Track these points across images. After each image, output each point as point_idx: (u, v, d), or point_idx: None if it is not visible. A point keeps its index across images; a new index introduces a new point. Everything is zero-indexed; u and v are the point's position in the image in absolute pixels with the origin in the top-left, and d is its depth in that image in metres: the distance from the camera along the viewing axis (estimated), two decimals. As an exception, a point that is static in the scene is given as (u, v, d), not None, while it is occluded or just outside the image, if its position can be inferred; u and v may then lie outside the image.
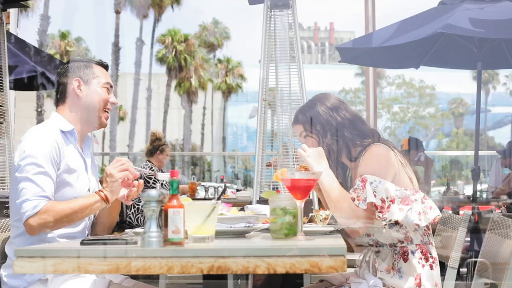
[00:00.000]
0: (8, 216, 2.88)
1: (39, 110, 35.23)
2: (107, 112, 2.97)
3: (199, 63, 44.21)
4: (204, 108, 48.14)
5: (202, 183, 10.45)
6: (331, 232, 2.65)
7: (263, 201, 5.10)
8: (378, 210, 2.59)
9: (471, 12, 6.03)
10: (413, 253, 2.73)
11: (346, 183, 2.94)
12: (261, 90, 5.63)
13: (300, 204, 2.28)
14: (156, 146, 7.32)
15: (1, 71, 5.64)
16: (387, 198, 2.60)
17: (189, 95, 44.50)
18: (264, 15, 5.56)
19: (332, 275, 3.07)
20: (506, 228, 2.13)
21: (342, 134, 2.83)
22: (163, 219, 2.05)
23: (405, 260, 2.72)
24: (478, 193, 6.63)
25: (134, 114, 40.65)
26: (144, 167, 7.29)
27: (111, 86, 2.99)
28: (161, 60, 42.98)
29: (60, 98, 2.95)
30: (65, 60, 36.73)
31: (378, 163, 2.70)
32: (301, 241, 2.23)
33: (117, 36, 38.00)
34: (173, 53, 42.87)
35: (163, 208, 2.04)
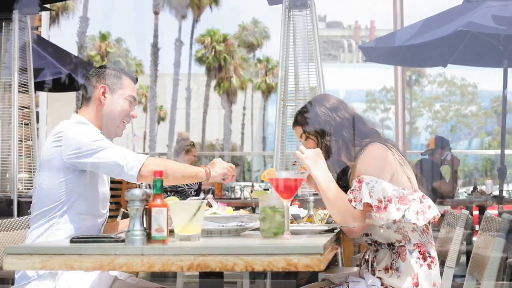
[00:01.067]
0: None
1: (77, 111, 35.68)
2: (125, 123, 3.05)
3: (238, 63, 44.39)
4: (244, 108, 48.30)
5: (238, 184, 10.53)
6: (325, 231, 2.66)
7: None
8: (375, 210, 2.59)
9: (494, 9, 5.97)
10: (411, 252, 2.72)
11: (347, 183, 2.95)
12: (280, 90, 5.66)
13: (286, 203, 2.30)
14: (181, 147, 7.40)
15: (26, 74, 5.77)
16: (384, 198, 2.60)
17: (229, 95, 44.70)
18: (283, 15, 5.59)
19: (335, 274, 3.09)
20: (494, 227, 2.13)
21: (341, 134, 2.83)
22: (147, 218, 2.10)
23: (403, 259, 2.71)
24: (505, 192, 6.55)
25: (174, 114, 40.96)
26: None
27: (135, 100, 3.06)
28: (200, 60, 43.27)
29: (84, 101, 3.02)
30: (105, 62, 37.26)
31: (375, 163, 2.70)
32: (287, 240, 2.25)
33: (156, 37, 38.36)
34: (213, 53, 43.13)
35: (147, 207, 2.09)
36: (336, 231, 2.87)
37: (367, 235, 2.80)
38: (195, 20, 41.82)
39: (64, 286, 2.72)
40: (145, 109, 44.57)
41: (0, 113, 5.61)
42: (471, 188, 7.67)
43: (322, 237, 2.38)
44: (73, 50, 37.95)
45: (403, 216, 2.61)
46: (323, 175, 2.68)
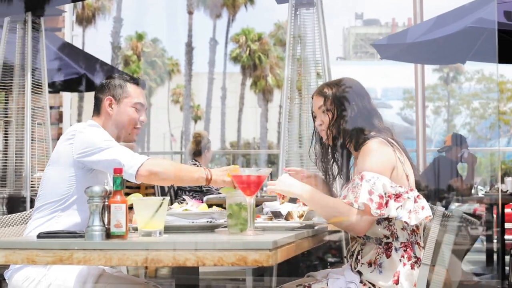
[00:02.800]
0: None
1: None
2: (136, 129, 3.17)
3: (274, 61, 44.38)
4: (280, 106, 48.22)
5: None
6: (301, 228, 2.69)
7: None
8: (376, 207, 2.58)
9: (507, 5, 5.90)
10: (396, 250, 2.72)
11: (348, 170, 2.96)
12: (286, 88, 5.69)
13: (249, 200, 2.34)
14: (204, 146, 7.52)
15: (40, 74, 5.89)
16: (385, 194, 2.60)
17: (265, 94, 44.70)
18: (289, 14, 5.61)
19: (320, 271, 3.10)
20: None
21: (357, 122, 2.84)
22: (107, 214, 2.16)
23: (388, 256, 2.71)
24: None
25: (208, 113, 41.17)
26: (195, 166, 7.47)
27: (142, 105, 3.16)
28: (235, 59, 43.37)
29: (95, 111, 3.17)
30: (141, 62, 37.47)
31: (376, 158, 2.69)
32: (249, 236, 2.29)
33: (190, 36, 38.60)
34: (247, 52, 43.19)
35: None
36: (317, 227, 2.91)
37: None
38: (230, 19, 41.99)
39: (54, 275, 2.83)
40: (182, 109, 44.89)
41: (15, 113, 5.74)
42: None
43: (285, 233, 2.41)
44: (107, 50, 38.42)
45: (396, 213, 2.61)
46: (304, 193, 2.69)
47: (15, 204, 5.31)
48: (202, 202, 2.70)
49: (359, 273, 2.79)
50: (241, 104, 43.38)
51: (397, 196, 2.64)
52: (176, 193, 7.04)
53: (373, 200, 2.59)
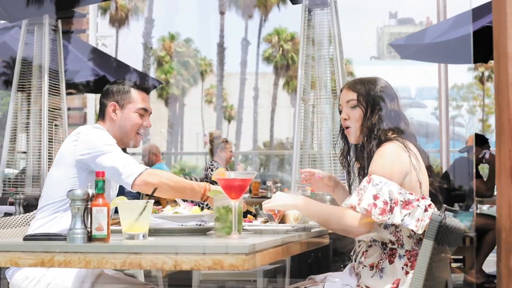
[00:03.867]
0: None
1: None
2: (140, 135, 3.21)
3: (305, 61, 44.25)
4: (314, 106, 48.05)
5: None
6: (292, 230, 2.67)
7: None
8: (379, 212, 2.54)
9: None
10: (400, 257, 2.65)
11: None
12: (300, 89, 5.68)
13: (234, 203, 2.33)
14: (216, 145, 7.53)
15: (57, 76, 5.96)
16: (390, 200, 2.55)
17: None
18: (302, 14, 5.59)
19: (321, 274, 3.08)
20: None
21: (383, 123, 2.80)
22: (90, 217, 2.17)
23: (391, 261, 2.66)
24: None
25: (241, 113, 41.26)
26: (209, 167, 7.50)
27: (146, 111, 3.20)
28: (268, 59, 43.37)
29: (100, 116, 3.22)
30: (174, 62, 37.67)
31: (388, 163, 2.65)
32: (233, 239, 2.28)
33: (222, 36, 38.77)
34: (280, 52, 43.14)
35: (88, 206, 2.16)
36: (315, 230, 2.89)
37: None
38: (262, 19, 42.01)
39: (53, 274, 2.87)
40: (215, 109, 45.05)
41: (33, 114, 5.82)
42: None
43: (274, 237, 2.40)
44: (139, 51, 38.70)
45: (402, 220, 2.56)
46: (302, 207, 2.70)
47: (32, 205, 5.38)
48: (194, 205, 2.71)
49: (358, 276, 2.76)
50: (274, 104, 43.36)
51: (406, 203, 2.57)
52: None
53: (377, 205, 2.54)
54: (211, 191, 2.60)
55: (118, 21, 37.75)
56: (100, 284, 2.88)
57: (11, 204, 5.27)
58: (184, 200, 2.84)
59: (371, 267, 2.71)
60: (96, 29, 9.04)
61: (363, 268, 2.74)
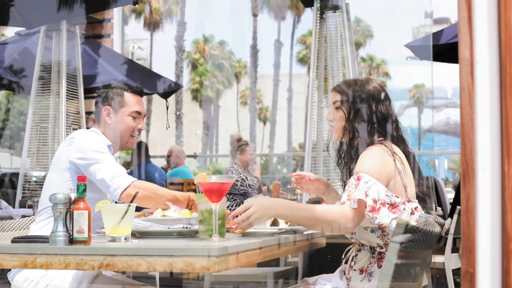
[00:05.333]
0: None
1: (177, 113, 36.74)
2: (134, 137, 3.28)
3: (341, 61, 44.15)
4: (327, 108, 47.85)
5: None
6: (282, 233, 2.70)
7: (315, 201, 5.17)
8: (369, 209, 2.55)
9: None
10: None
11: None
12: (312, 92, 5.70)
13: (214, 206, 2.38)
14: (235, 147, 7.56)
15: (75, 81, 6.08)
16: (378, 200, 2.57)
17: (333, 94, 44.43)
18: (314, 17, 5.62)
19: (314, 276, 3.11)
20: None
21: (367, 124, 2.79)
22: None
23: (379, 265, 2.66)
24: None
25: (274, 115, 41.31)
26: (230, 169, 7.54)
27: (139, 113, 3.26)
28: (302, 60, 43.38)
29: (96, 119, 3.31)
30: (209, 65, 37.84)
31: (375, 163, 2.66)
32: (214, 242, 2.33)
33: (255, 38, 38.88)
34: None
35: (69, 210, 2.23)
36: (307, 232, 2.92)
37: (352, 233, 2.77)
38: (295, 21, 42.03)
39: (52, 275, 2.95)
40: (250, 110, 45.17)
41: (52, 118, 5.94)
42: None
43: (249, 240, 2.43)
44: (173, 53, 39.00)
45: (390, 222, 2.56)
46: (284, 211, 2.59)
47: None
48: (184, 208, 2.76)
49: (348, 280, 2.78)
50: (308, 106, 43.26)
51: (393, 206, 2.60)
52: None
53: (367, 202, 2.56)
54: (195, 195, 2.65)
55: (153, 24, 38.08)
56: (97, 285, 2.95)
57: (30, 207, 5.38)
58: None
59: (361, 271, 2.73)
60: (121, 33, 9.15)
61: (353, 272, 2.76)
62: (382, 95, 2.85)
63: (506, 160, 1.58)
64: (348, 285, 2.76)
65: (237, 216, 2.46)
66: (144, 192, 2.95)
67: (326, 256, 5.24)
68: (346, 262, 2.86)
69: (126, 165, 8.14)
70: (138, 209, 2.78)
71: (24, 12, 5.39)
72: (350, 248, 2.88)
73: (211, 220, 2.45)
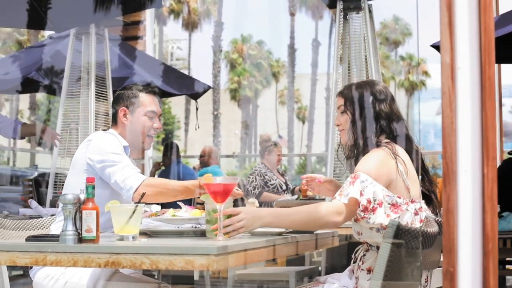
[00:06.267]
0: None
1: (215, 113, 36.96)
2: (150, 137, 3.36)
3: (380, 60, 43.94)
4: (387, 106, 47.57)
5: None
6: (284, 233, 2.76)
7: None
8: (361, 209, 2.60)
9: None
10: None
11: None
12: (334, 92, 5.73)
13: (219, 206, 2.45)
14: (264, 148, 7.63)
15: (105, 83, 6.21)
16: (374, 200, 2.61)
17: (372, 93, 44.20)
18: (337, 18, 5.65)
19: (327, 275, 3.16)
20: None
21: (371, 125, 2.83)
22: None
23: None
24: None
25: (312, 114, 41.25)
26: (255, 169, 7.60)
27: (155, 113, 3.34)
28: (341, 59, 43.22)
29: (113, 121, 3.40)
30: (247, 64, 37.94)
31: (374, 164, 2.70)
32: (218, 241, 2.40)
33: (292, 38, 38.90)
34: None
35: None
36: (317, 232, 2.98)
37: (359, 233, 2.81)
38: (333, 20, 41.88)
39: (71, 273, 3.04)
40: (288, 110, 45.19)
41: (82, 120, 6.08)
42: None
43: (253, 239, 2.50)
44: (210, 53, 39.25)
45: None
46: (271, 219, 2.61)
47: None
48: (194, 208, 2.83)
49: (357, 279, 2.82)
50: (331, 107, 43.12)
51: (395, 206, 2.64)
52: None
53: (360, 201, 2.60)
54: (203, 195, 2.71)
55: (191, 25, 38.38)
56: (114, 282, 3.04)
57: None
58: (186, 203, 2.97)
59: (368, 270, 2.77)
60: (153, 35, 9.27)
61: (361, 271, 2.80)
62: (385, 96, 2.89)
63: (485, 162, 1.62)
64: (356, 284, 2.81)
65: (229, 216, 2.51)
66: (155, 189, 3.03)
67: (349, 255, 5.28)
68: (355, 262, 2.91)
69: (157, 165, 8.24)
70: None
71: (53, 16, 5.53)
72: (359, 248, 2.93)
73: (217, 219, 2.52)
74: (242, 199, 2.81)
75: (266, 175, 7.36)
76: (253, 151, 45.01)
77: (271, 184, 7.36)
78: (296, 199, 5.83)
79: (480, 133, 1.63)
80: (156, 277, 5.26)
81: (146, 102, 3.32)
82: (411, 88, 46.30)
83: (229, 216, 2.50)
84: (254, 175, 7.30)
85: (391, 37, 46.41)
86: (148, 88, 3.38)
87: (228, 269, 4.98)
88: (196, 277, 6.22)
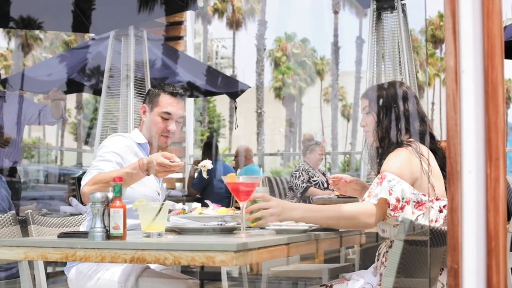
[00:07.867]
0: None
1: (258, 111, 37.04)
2: (165, 137, 3.40)
3: (424, 58, 43.54)
4: (433, 103, 47.22)
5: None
6: (308, 230, 2.83)
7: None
8: (391, 208, 2.66)
9: None
10: None
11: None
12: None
13: (242, 204, 2.54)
14: (306, 147, 7.75)
15: (143, 83, 6.35)
16: (402, 198, 2.67)
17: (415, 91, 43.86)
18: (370, 18, 5.68)
19: (352, 272, 3.21)
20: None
21: (395, 125, 2.90)
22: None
23: None
24: None
25: (356, 112, 41.09)
26: (297, 167, 7.70)
27: (170, 115, 3.36)
28: (381, 57, 42.95)
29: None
30: (291, 62, 37.97)
31: (399, 163, 2.77)
32: (241, 238, 2.48)
33: (336, 36, 38.80)
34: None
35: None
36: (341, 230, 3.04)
37: (383, 231, 2.87)
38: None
39: (103, 270, 3.15)
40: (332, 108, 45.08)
41: (121, 120, 6.22)
42: None
43: (274, 236, 2.57)
44: (254, 52, 39.35)
45: (416, 220, 2.67)
46: (303, 213, 2.68)
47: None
48: (221, 206, 2.92)
49: (381, 276, 2.88)
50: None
51: (419, 204, 2.70)
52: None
53: (390, 201, 2.67)
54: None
55: (235, 23, 38.58)
56: (144, 278, 3.14)
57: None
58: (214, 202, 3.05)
59: None
60: (194, 36, 9.40)
61: (384, 268, 2.85)
62: (408, 95, 2.94)
63: (488, 163, 1.66)
64: (380, 281, 2.86)
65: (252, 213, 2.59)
66: (96, 186, 3.00)
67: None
68: (378, 259, 2.96)
69: (197, 163, 8.36)
70: None
71: (94, 19, 5.67)
72: (382, 245, 2.98)
73: (253, 209, 2.56)
74: None
75: (309, 171, 7.52)
76: (297, 149, 45.04)
77: (314, 181, 7.49)
78: (337, 197, 5.88)
79: (483, 135, 1.68)
80: (194, 274, 5.37)
81: (164, 102, 3.35)
82: (457, 85, 45.63)
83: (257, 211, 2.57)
84: (300, 171, 7.46)
85: (436, 34, 45.92)
86: (171, 88, 3.40)
87: (263, 266, 5.08)
88: (235, 274, 6.32)
